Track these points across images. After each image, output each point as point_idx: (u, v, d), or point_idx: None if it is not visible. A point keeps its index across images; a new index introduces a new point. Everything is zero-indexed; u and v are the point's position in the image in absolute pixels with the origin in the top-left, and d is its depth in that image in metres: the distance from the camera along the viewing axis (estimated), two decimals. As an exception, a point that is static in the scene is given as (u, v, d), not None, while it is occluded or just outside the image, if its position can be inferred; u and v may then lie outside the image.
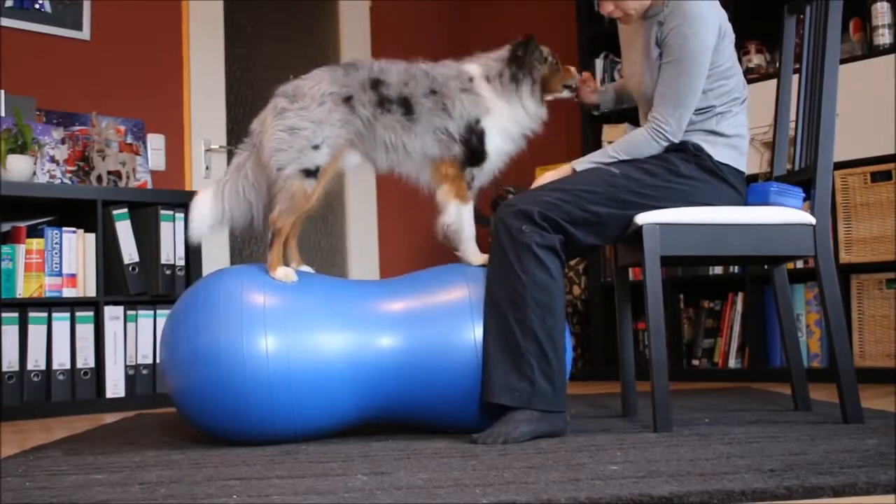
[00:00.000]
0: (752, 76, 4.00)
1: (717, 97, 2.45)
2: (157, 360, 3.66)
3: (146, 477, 1.84)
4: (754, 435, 2.16)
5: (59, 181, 3.78)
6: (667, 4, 2.44)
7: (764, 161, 3.82)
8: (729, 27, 2.48)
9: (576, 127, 4.68)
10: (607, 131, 4.52)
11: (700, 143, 2.44)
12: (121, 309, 3.64)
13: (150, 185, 4.04)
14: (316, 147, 2.33)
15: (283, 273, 2.33)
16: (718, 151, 2.45)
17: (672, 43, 2.39)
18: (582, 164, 2.46)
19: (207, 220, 2.40)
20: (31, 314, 3.47)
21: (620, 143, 2.44)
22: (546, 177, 2.49)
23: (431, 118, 2.40)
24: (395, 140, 2.39)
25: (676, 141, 2.42)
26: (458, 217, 2.43)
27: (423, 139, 2.40)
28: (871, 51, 3.82)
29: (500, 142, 2.45)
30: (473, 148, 2.41)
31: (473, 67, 2.47)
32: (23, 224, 3.57)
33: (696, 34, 2.37)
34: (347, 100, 2.37)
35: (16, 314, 3.44)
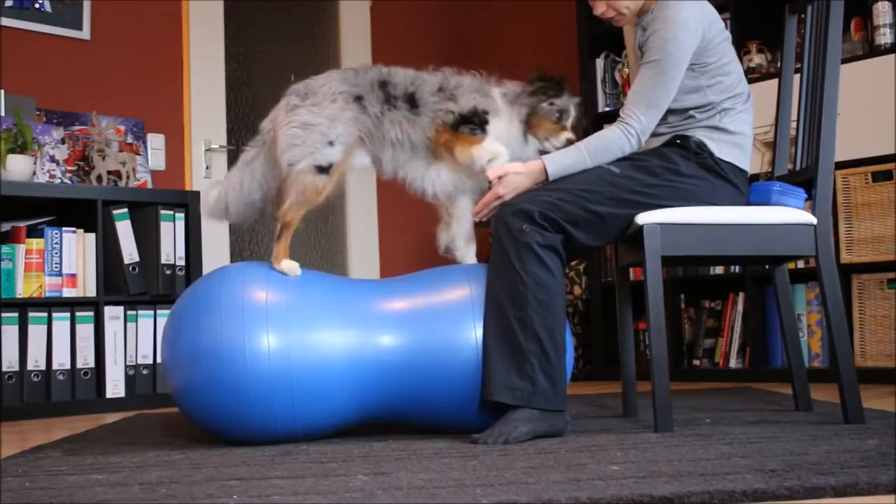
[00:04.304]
0: (753, 76, 3.99)
1: (715, 93, 2.45)
2: (158, 360, 3.66)
3: (146, 477, 1.83)
4: (755, 435, 2.16)
5: (59, 181, 3.78)
6: (651, 10, 2.45)
7: (765, 161, 3.82)
8: (720, 25, 2.48)
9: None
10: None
11: (703, 140, 2.44)
12: (121, 309, 3.64)
13: (150, 185, 4.04)
14: (331, 143, 2.34)
15: (288, 266, 2.33)
16: (721, 149, 2.45)
17: (652, 45, 2.40)
18: (552, 160, 2.38)
19: (219, 211, 2.47)
20: (31, 314, 3.46)
21: (592, 140, 2.39)
22: (512, 168, 2.37)
23: (436, 108, 2.40)
24: (401, 135, 2.39)
25: (644, 139, 2.41)
26: (482, 153, 2.37)
27: (425, 129, 2.40)
28: (873, 50, 3.81)
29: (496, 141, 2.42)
30: (472, 123, 2.39)
31: (494, 87, 2.47)
32: (23, 224, 3.57)
33: (676, 38, 2.37)
34: (358, 99, 2.38)
35: (16, 314, 3.44)
